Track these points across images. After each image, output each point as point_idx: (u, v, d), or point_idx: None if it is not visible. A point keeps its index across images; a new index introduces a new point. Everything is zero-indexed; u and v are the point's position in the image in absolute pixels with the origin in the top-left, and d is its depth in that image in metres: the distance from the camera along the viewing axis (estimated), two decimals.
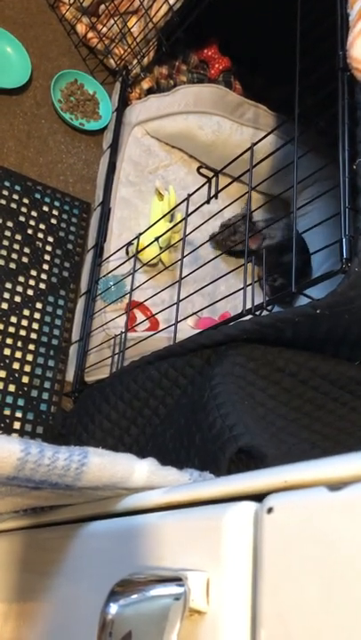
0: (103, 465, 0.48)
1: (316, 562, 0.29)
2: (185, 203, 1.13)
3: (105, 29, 1.60)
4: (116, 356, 1.21)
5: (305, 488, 0.32)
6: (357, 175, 0.80)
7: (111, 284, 1.32)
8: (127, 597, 0.32)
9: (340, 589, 0.28)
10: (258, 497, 0.35)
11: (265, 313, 0.90)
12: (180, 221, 1.27)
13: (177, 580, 0.33)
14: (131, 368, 1.07)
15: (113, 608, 0.31)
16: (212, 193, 1.03)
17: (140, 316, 1.34)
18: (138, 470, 0.50)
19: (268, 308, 0.88)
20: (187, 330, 1.33)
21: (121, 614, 0.31)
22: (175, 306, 1.08)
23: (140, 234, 1.28)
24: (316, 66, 0.97)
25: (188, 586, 0.33)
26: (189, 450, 0.85)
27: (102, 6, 1.58)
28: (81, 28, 1.63)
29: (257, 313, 0.90)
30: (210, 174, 1.08)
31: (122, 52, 1.61)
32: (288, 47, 1.06)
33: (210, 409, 0.82)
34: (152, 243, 1.24)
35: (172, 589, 0.33)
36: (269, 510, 0.32)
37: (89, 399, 1.13)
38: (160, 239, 1.25)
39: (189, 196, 1.13)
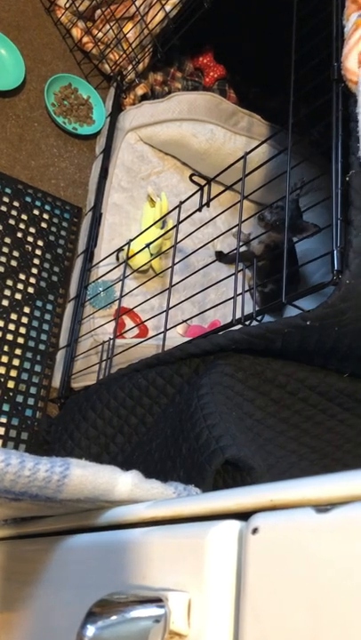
0: (85, 477, 0.47)
1: (302, 586, 0.28)
2: (177, 210, 1.13)
3: (100, 34, 1.60)
4: (104, 362, 1.19)
5: (291, 508, 0.31)
6: (350, 187, 0.79)
7: (100, 289, 1.31)
8: (105, 619, 0.31)
9: (327, 615, 0.27)
10: (244, 515, 0.34)
11: (255, 323, 0.89)
12: (171, 228, 1.27)
13: (157, 600, 0.32)
14: (118, 376, 1.06)
15: (90, 630, 0.30)
16: (205, 201, 1.02)
17: (129, 322, 1.33)
18: (121, 483, 0.49)
19: (258, 318, 0.87)
20: (176, 337, 1.32)
21: (98, 637, 0.30)
22: (164, 313, 1.07)
23: (131, 240, 1.27)
24: (311, 76, 0.97)
25: (168, 607, 0.32)
26: (175, 460, 0.84)
27: (98, 11, 1.57)
28: (76, 33, 1.62)
29: (246, 323, 0.89)
30: (202, 182, 1.07)
31: (117, 57, 1.61)
32: (283, 57, 1.06)
33: (197, 419, 0.81)
34: (143, 249, 1.23)
35: (153, 611, 0.32)
36: (254, 531, 0.31)
37: (75, 406, 1.12)
38: (151, 246, 1.25)
39: (181, 203, 1.12)
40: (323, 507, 0.29)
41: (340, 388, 0.96)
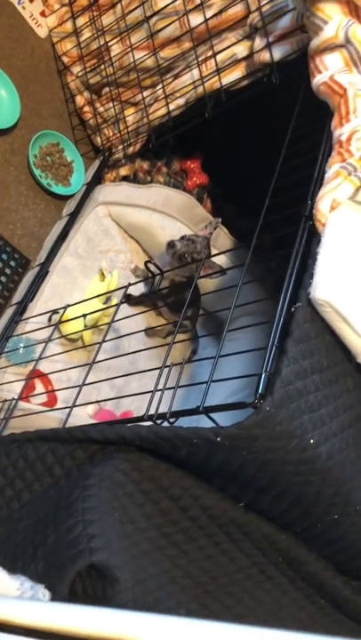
0: None
1: None
2: (123, 290, 1.11)
3: (102, 109, 1.64)
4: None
5: None
6: (293, 318, 0.79)
7: (21, 345, 1.24)
8: None
9: None
10: None
11: (166, 424, 0.84)
12: (113, 306, 1.24)
13: None
14: (8, 440, 0.97)
15: None
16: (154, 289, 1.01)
17: (39, 387, 1.26)
18: None
19: (171, 420, 0.83)
20: (83, 416, 1.26)
21: None
22: (78, 388, 1.02)
23: (69, 305, 1.24)
24: (283, 207, 1.00)
25: None
26: (38, 549, 0.75)
27: (106, 89, 1.63)
28: (80, 100, 1.66)
29: (158, 421, 0.84)
30: (156, 271, 1.06)
31: (111, 134, 1.65)
32: (262, 184, 1.10)
33: (74, 510, 0.74)
34: (79, 317, 1.19)
35: None
36: None
37: None
38: (87, 317, 1.21)
39: (129, 285, 1.10)
40: None
41: (232, 517, 0.91)
